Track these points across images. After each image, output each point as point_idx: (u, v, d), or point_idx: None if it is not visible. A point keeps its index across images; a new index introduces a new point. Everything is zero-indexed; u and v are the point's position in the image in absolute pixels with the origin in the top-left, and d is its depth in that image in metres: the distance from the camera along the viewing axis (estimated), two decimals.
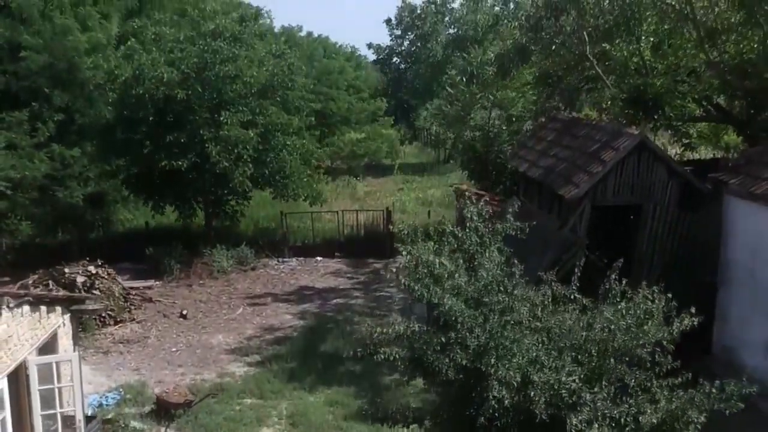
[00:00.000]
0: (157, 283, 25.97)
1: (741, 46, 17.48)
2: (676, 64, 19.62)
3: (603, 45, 19.37)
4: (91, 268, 22.63)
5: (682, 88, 19.43)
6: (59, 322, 13.38)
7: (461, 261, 11.05)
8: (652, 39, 20.13)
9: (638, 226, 16.77)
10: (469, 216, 11.59)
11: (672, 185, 16.37)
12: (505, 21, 18.80)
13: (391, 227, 29.35)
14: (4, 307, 11.38)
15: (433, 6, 53.00)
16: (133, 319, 22.25)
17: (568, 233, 16.83)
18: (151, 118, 26.05)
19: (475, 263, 11.09)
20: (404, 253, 11.13)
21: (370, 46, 61.97)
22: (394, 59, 55.36)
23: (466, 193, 27.78)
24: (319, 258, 29.29)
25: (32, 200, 28.59)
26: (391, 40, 56.81)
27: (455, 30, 50.95)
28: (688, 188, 16.47)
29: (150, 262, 26.96)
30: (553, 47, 19.41)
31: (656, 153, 16.25)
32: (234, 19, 47.34)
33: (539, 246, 17.57)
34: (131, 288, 24.51)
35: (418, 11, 53.21)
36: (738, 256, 16.00)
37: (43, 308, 12.76)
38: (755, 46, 17.38)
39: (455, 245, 11.48)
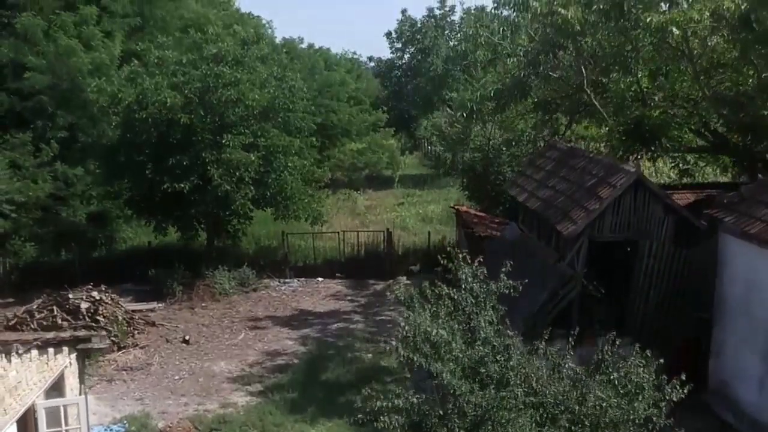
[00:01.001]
0: (160, 305, 26.22)
1: (737, 80, 17.70)
2: (673, 95, 19.88)
3: (600, 79, 19.62)
4: (95, 294, 22.89)
5: (679, 119, 19.67)
6: (66, 362, 13.65)
7: (457, 325, 11.28)
8: (649, 68, 20.37)
9: (634, 260, 17.02)
10: (464, 278, 11.82)
11: (668, 222, 16.64)
12: (505, 51, 18.89)
13: (392, 247, 29.99)
14: (14, 353, 11.65)
15: (433, 20, 53.31)
16: (137, 345, 22.49)
17: (566, 268, 17.09)
18: (153, 141, 26.37)
19: (472, 324, 11.34)
20: (402, 323, 11.34)
21: (371, 59, 62.38)
22: (395, 72, 55.56)
23: (467, 213, 28.23)
24: (320, 279, 29.55)
25: (35, 220, 28.96)
26: (391, 53, 57.26)
27: (455, 44, 51.26)
28: (683, 224, 16.72)
29: (153, 284, 27.21)
30: (551, 79, 19.69)
31: (652, 190, 16.52)
32: (236, 31, 48.42)
33: (538, 279, 17.82)
34: (134, 311, 24.74)
35: (419, 25, 53.51)
36: (733, 292, 16.26)
37: (51, 350, 13.00)
38: (750, 81, 17.64)
39: (452, 307, 11.73)
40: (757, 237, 14.92)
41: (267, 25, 66.03)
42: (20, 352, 11.75)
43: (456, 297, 11.56)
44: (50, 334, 12.24)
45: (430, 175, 53.73)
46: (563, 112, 23.16)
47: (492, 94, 19.71)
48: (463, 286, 11.65)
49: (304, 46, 62.82)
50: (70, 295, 22.72)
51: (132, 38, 36.66)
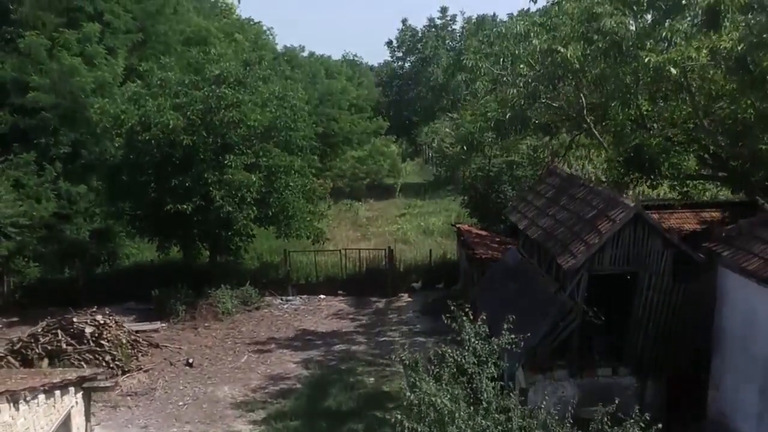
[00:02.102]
0: (163, 325, 26.43)
1: (735, 111, 17.80)
2: (672, 123, 20.00)
3: (600, 105, 19.76)
4: (99, 318, 23.10)
5: (678, 147, 19.80)
6: (72, 402, 13.86)
7: (461, 390, 11.41)
8: (649, 90, 20.48)
9: (634, 292, 17.17)
10: (467, 337, 12.00)
11: (667, 255, 16.76)
12: (505, 78, 18.97)
13: (394, 264, 30.16)
14: (22, 401, 11.84)
15: (434, 29, 53.45)
16: (140, 368, 22.67)
17: (566, 299, 17.25)
18: (156, 162, 26.56)
19: (474, 385, 11.50)
20: (407, 393, 11.40)
21: (371, 69, 62.46)
22: (395, 81, 55.73)
23: (468, 232, 28.38)
24: (322, 296, 29.75)
25: (39, 238, 29.15)
26: (392, 61, 57.31)
27: (456, 53, 51.40)
28: (682, 257, 16.86)
29: (156, 303, 27.40)
30: (551, 107, 19.85)
31: (651, 225, 16.66)
32: (237, 41, 48.65)
33: (538, 309, 18.03)
34: (138, 332, 24.94)
35: (419, 34, 53.65)
36: (731, 326, 16.40)
37: (58, 392, 13.20)
38: (749, 111, 17.73)
39: (455, 368, 11.89)
40: (754, 274, 15.05)
41: (268, 32, 66.69)
42: (28, 399, 11.95)
43: (459, 359, 11.70)
44: (57, 378, 12.41)
45: (431, 184, 53.94)
46: (563, 132, 23.30)
47: (492, 125, 19.89)
48: (465, 347, 11.80)
49: (305, 54, 63.12)
50: (75, 319, 22.90)
51: (134, 53, 36.94)
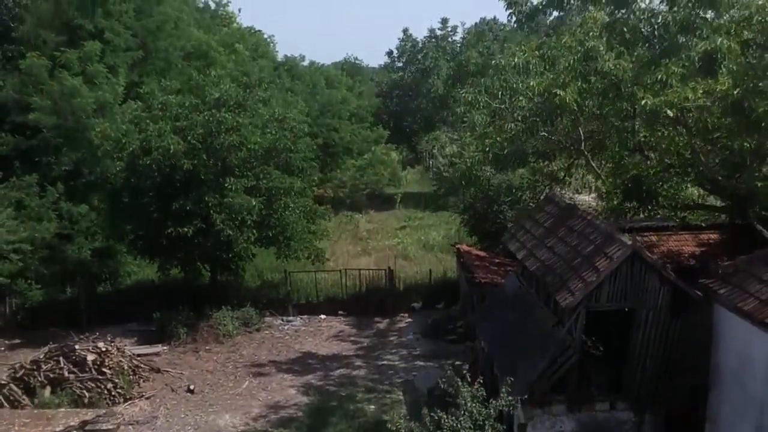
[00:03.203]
0: (165, 348, 26.57)
1: (732, 144, 17.89)
2: (669, 152, 20.08)
3: (598, 139, 19.88)
4: (101, 345, 23.23)
5: (676, 177, 19.91)
6: None
7: None
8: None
9: (631, 328, 17.30)
10: (463, 402, 12.13)
11: (663, 291, 16.89)
12: (504, 111, 19.09)
13: (394, 284, 30.31)
14: None
15: (434, 40, 53.55)
16: (142, 395, 22.81)
17: (565, 335, 17.37)
18: (157, 185, 26.69)
19: None
20: None
21: (372, 78, 62.56)
22: (396, 91, 55.87)
23: (467, 254, 28.47)
24: (322, 316, 29.91)
25: (41, 258, 29.29)
26: (393, 71, 57.41)
27: (456, 64, 51.54)
28: (679, 294, 16.98)
29: (157, 325, 27.54)
30: (549, 141, 19.99)
31: (648, 262, 16.79)
32: (237, 51, 48.74)
33: (537, 344, 18.16)
34: (139, 356, 25.10)
35: (420, 45, 53.76)
36: (727, 362, 16.54)
37: None
38: (746, 145, 17.82)
39: None
40: (750, 315, 15.17)
41: (268, 40, 66.79)
42: None
43: (455, 424, 11.83)
44: (60, 427, 12.55)
45: (431, 194, 53.95)
46: (561, 159, 23.42)
47: (490, 158, 20.01)
48: (462, 411, 11.94)
49: (305, 63, 63.17)
50: (77, 346, 23.04)
51: (135, 70, 37.06)
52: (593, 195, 24.02)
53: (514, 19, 19.17)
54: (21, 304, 29.02)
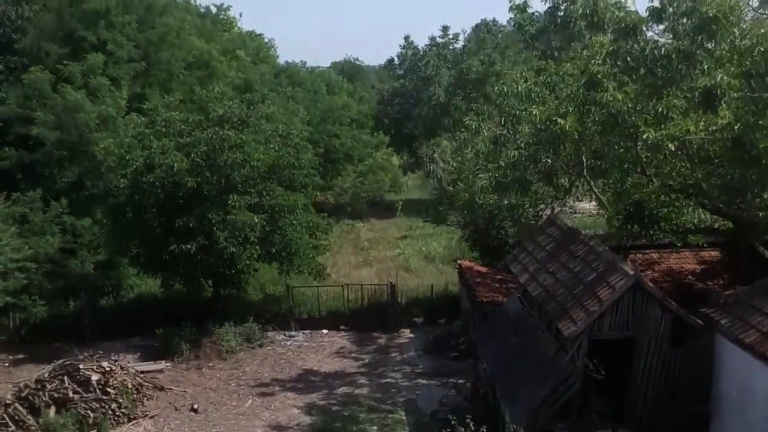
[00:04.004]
0: (168, 365, 26.70)
1: (732, 174, 18.04)
2: (671, 177, 20.23)
3: (599, 163, 20.02)
4: (105, 365, 23.32)
5: (678, 202, 20.06)
6: None
7: None
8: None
9: (633, 356, 17.46)
10: None
11: (665, 321, 17.06)
12: (506, 138, 19.23)
13: (396, 299, 30.42)
14: None
15: (435, 48, 53.65)
16: (146, 414, 22.94)
17: (567, 363, 17.51)
18: (160, 202, 26.79)
19: None
20: None
21: (372, 87, 62.67)
22: (397, 99, 55.99)
23: (469, 270, 28.58)
24: (324, 331, 30.04)
25: (44, 273, 29.41)
26: (394, 80, 57.55)
27: (457, 72, 51.66)
28: (680, 323, 17.13)
29: (160, 341, 27.66)
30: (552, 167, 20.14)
31: (650, 292, 16.95)
32: (239, 57, 48.86)
33: (538, 370, 18.30)
34: (143, 372, 25.23)
35: (421, 53, 53.87)
36: (728, 391, 16.70)
37: None
38: (747, 175, 17.96)
39: None
40: (751, 348, 15.33)
41: (269, 44, 66.96)
42: None
43: None
44: None
45: (432, 201, 53.97)
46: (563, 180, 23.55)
47: (493, 185, 20.15)
48: None
49: (307, 66, 63.30)
50: (81, 366, 23.14)
51: (137, 81, 37.18)
52: (594, 203, 24.11)
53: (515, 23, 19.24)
54: (25, 319, 29.09)
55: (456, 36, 54.92)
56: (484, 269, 29.15)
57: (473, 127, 20.40)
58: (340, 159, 55.90)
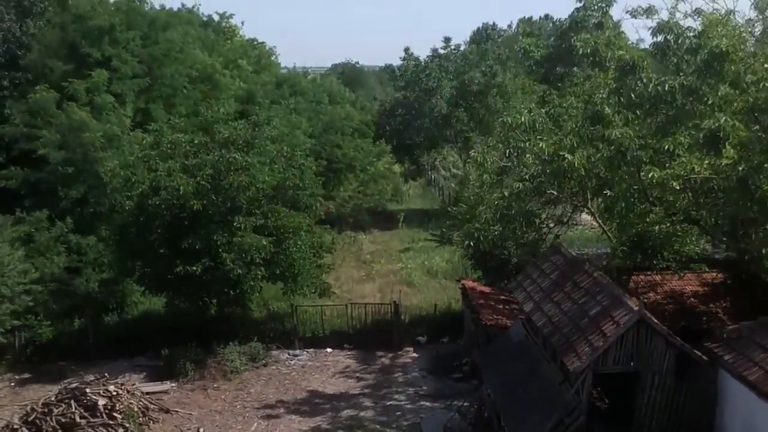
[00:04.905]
0: (173, 385, 26.85)
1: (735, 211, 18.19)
2: (675, 208, 20.40)
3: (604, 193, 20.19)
4: (112, 389, 23.50)
5: (681, 233, 20.22)
6: None
7: None
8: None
9: (637, 390, 17.65)
10: None
11: (669, 355, 17.26)
12: (511, 169, 19.46)
13: (399, 318, 30.58)
14: None
15: (437, 60, 53.81)
16: None
17: (572, 396, 17.70)
18: (166, 224, 26.95)
19: None
20: None
21: (374, 98, 62.83)
22: (399, 110, 56.14)
23: (472, 291, 28.75)
24: (328, 349, 30.18)
25: (50, 292, 29.57)
26: (395, 91, 57.72)
27: (459, 83, 51.81)
28: (684, 358, 17.33)
29: (165, 362, 27.82)
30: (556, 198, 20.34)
31: (654, 328, 17.14)
32: (240, 67, 49.07)
33: (542, 402, 18.50)
34: (148, 393, 25.41)
35: (422, 65, 54.02)
36: (732, 426, 16.91)
37: None
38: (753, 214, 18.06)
39: None
40: (755, 386, 15.53)
41: (270, 51, 67.06)
42: None
43: None
44: None
45: (434, 211, 54.12)
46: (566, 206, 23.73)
47: (498, 216, 20.33)
48: None
49: (308, 69, 63.30)
50: (88, 390, 23.34)
51: (141, 97, 37.36)
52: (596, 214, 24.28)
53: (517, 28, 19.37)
54: (30, 338, 29.23)
55: (458, 47, 55.12)
56: (487, 289, 29.35)
57: (478, 160, 20.56)
58: (343, 169, 56.01)
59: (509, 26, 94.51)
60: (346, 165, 55.97)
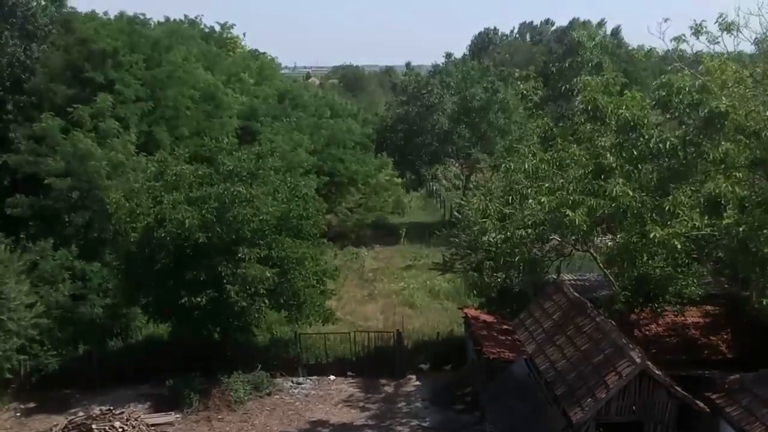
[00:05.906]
0: (178, 416, 27.02)
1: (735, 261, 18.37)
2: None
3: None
4: (117, 424, 23.74)
5: (681, 276, 20.43)
6: None
7: None
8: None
9: None
10: None
11: (671, 406, 17.49)
12: (515, 212, 19.65)
13: (402, 345, 30.79)
14: None
15: (439, 75, 53.97)
16: None
17: None
18: (171, 255, 27.13)
19: None
20: None
21: (376, 114, 63.01)
22: (400, 126, 56.31)
23: (475, 320, 28.96)
24: (332, 377, 30.38)
25: (54, 318, 29.75)
26: (397, 106, 57.94)
27: (459, 99, 51.99)
28: (686, 409, 17.56)
29: (170, 392, 28.01)
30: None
31: (656, 379, 17.37)
32: (242, 80, 49.26)
33: None
34: (154, 425, 25.64)
35: (424, 81, 54.20)
36: None
37: None
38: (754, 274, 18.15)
39: None
40: None
41: (272, 62, 67.21)
42: None
43: None
44: None
45: (436, 225, 54.22)
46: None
47: (501, 263, 20.53)
48: None
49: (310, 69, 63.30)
50: (94, 426, 23.59)
51: (144, 120, 37.53)
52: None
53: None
54: (35, 366, 29.39)
55: (459, 63, 55.31)
56: (489, 318, 29.55)
57: (481, 207, 20.75)
58: (345, 183, 56.19)
59: (511, 32, 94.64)
60: (348, 179, 56.20)
